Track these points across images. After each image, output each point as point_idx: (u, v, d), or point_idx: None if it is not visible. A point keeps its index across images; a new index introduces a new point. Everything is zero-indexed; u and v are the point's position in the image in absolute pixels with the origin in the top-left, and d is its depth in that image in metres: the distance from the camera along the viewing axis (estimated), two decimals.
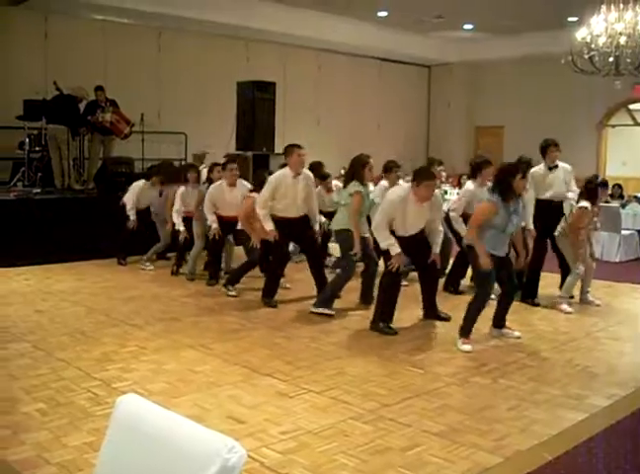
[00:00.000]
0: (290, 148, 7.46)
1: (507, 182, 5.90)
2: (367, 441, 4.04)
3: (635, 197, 13.04)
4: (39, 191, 10.69)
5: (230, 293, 7.91)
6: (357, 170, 7.03)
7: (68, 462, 3.70)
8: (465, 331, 6.06)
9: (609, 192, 7.53)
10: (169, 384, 4.99)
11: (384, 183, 8.39)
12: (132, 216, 9.61)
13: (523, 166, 6.42)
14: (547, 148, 7.74)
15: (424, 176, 6.31)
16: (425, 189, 6.26)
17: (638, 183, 16.35)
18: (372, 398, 4.78)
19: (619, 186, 14.09)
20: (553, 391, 5.00)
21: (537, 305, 7.69)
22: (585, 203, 7.33)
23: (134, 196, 9.71)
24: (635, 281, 9.36)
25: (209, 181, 8.94)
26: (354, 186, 6.97)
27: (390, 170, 8.37)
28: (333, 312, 7.02)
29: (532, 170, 7.70)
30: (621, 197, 13.38)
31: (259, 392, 4.86)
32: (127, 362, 5.47)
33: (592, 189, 7.40)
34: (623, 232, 11.30)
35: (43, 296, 7.83)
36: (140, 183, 9.82)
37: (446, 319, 6.81)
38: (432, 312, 6.96)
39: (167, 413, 1.96)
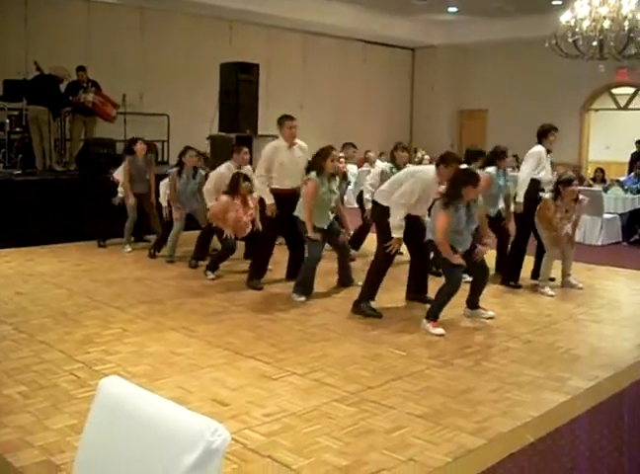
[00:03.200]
0: (282, 120, 7.53)
1: (457, 190, 5.97)
2: (351, 424, 4.05)
3: (617, 180, 13.09)
4: (19, 172, 10.58)
5: (208, 277, 7.89)
6: (317, 160, 7.00)
7: (50, 445, 3.68)
8: (432, 314, 6.08)
9: (572, 187, 7.56)
10: (152, 367, 4.97)
11: (383, 164, 8.54)
12: (121, 194, 9.50)
13: (477, 176, 6.39)
14: (548, 132, 7.82)
15: (452, 158, 6.42)
16: (451, 171, 6.28)
17: (620, 167, 16.42)
18: (356, 380, 4.78)
19: (601, 170, 14.16)
20: (536, 373, 5.03)
21: (519, 287, 7.74)
22: (546, 195, 7.52)
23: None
24: (617, 265, 9.41)
25: (181, 165, 8.81)
26: (310, 174, 6.95)
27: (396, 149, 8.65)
28: (303, 298, 6.97)
29: (535, 149, 7.85)
30: (603, 180, 13.44)
31: (242, 374, 4.85)
32: (110, 345, 5.44)
33: (556, 183, 7.55)
34: (605, 216, 11.36)
35: (25, 278, 7.76)
36: None
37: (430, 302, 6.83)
38: (421, 291, 6.98)
39: (150, 395, 1.94)
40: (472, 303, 6.54)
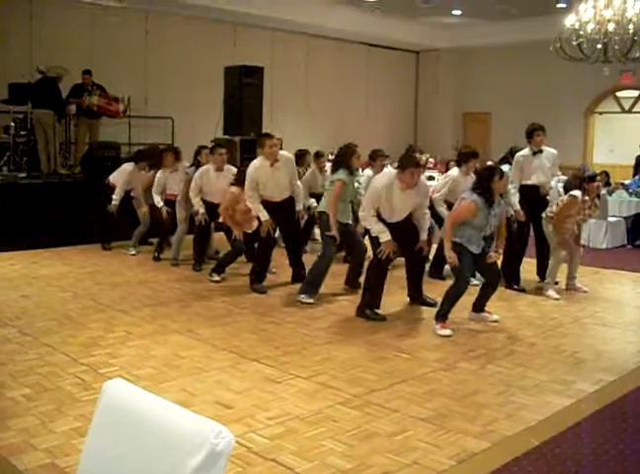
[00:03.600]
0: (262, 139, 7.51)
1: (486, 185, 6.03)
2: (355, 427, 4.05)
3: (622, 184, 13.06)
4: (24, 175, 10.61)
5: (213, 280, 7.89)
6: (345, 158, 7.04)
7: (55, 448, 3.68)
8: (441, 315, 6.10)
9: (597, 183, 7.53)
10: (156, 369, 4.97)
11: (369, 171, 8.45)
12: (116, 201, 9.51)
13: (499, 169, 6.40)
14: (533, 133, 7.77)
15: (408, 162, 6.35)
16: (410, 175, 6.27)
17: (625, 170, 16.37)
18: (360, 383, 4.78)
19: (606, 173, 14.11)
20: (540, 377, 5.02)
21: (523, 291, 7.72)
22: (575, 192, 7.35)
23: (124, 178, 9.62)
24: (621, 268, 9.40)
25: (197, 164, 8.85)
26: (339, 174, 6.97)
27: (376, 158, 8.43)
28: (311, 300, 6.98)
29: (518, 154, 7.82)
30: (608, 184, 13.40)
31: (246, 377, 4.85)
32: (114, 348, 5.44)
33: (581, 179, 7.44)
34: (610, 219, 11.35)
35: (29, 281, 7.78)
36: (129, 166, 9.71)
37: (432, 304, 6.78)
38: (418, 297, 6.99)
39: (154, 398, 1.94)
40: (478, 307, 6.52)
